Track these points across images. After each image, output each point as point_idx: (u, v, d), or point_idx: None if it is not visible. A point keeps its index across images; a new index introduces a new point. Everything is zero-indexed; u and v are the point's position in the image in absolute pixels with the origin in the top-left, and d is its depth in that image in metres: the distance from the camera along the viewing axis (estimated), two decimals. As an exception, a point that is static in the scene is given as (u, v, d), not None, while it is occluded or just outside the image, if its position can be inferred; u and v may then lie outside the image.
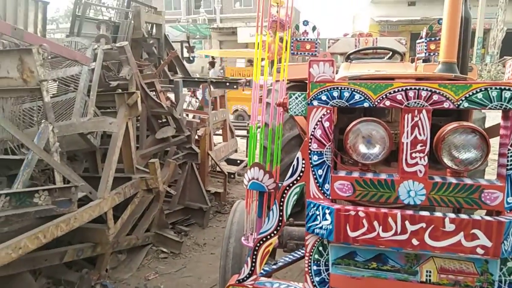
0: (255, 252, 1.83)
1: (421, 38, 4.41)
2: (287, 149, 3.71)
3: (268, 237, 1.82)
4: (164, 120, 4.46)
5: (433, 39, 4.03)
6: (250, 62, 13.46)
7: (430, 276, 1.63)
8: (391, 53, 3.94)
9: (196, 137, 4.73)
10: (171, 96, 5.28)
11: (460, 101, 1.55)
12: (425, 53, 4.32)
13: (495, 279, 1.57)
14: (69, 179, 2.75)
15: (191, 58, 6.95)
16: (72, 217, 2.67)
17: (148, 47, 5.58)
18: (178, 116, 4.06)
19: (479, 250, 1.50)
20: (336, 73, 3.26)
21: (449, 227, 1.52)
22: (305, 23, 4.67)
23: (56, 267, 3.00)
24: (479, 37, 22.29)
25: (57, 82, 3.38)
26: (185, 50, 7.35)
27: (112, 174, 3.22)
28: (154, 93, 4.39)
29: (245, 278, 1.85)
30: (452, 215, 1.53)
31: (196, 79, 5.92)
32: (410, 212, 1.57)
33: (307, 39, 4.51)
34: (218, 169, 5.19)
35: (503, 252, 1.49)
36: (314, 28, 4.70)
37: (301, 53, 4.57)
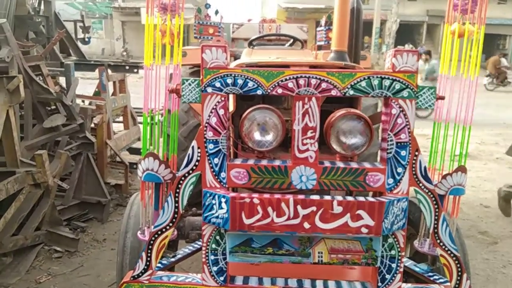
0: (150, 246, 1.75)
1: (321, 26, 4.58)
2: (192, 137, 3.62)
3: (164, 229, 1.74)
4: (53, 107, 4.06)
5: (331, 27, 4.19)
6: None
7: (321, 257, 1.69)
8: (292, 40, 4.02)
9: (92, 125, 4.39)
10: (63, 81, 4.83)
11: (346, 89, 1.62)
12: (325, 41, 4.50)
13: (378, 255, 1.67)
14: None
15: (86, 39, 6.42)
16: None
17: (34, 26, 5.05)
18: (68, 102, 3.72)
19: (363, 230, 1.59)
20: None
21: (337, 209, 1.58)
22: (207, 6, 4.57)
23: None
24: (377, 27, 24.07)
25: None
26: (80, 30, 6.80)
27: (-11, 169, 2.87)
28: (40, 77, 3.97)
29: (140, 274, 1.76)
30: (340, 198, 1.60)
31: (92, 62, 5.49)
32: (301, 196, 1.60)
33: (210, 23, 4.43)
34: (118, 159, 4.90)
35: (384, 230, 1.59)
36: (216, 12, 4.62)
37: (204, 37, 4.48)
